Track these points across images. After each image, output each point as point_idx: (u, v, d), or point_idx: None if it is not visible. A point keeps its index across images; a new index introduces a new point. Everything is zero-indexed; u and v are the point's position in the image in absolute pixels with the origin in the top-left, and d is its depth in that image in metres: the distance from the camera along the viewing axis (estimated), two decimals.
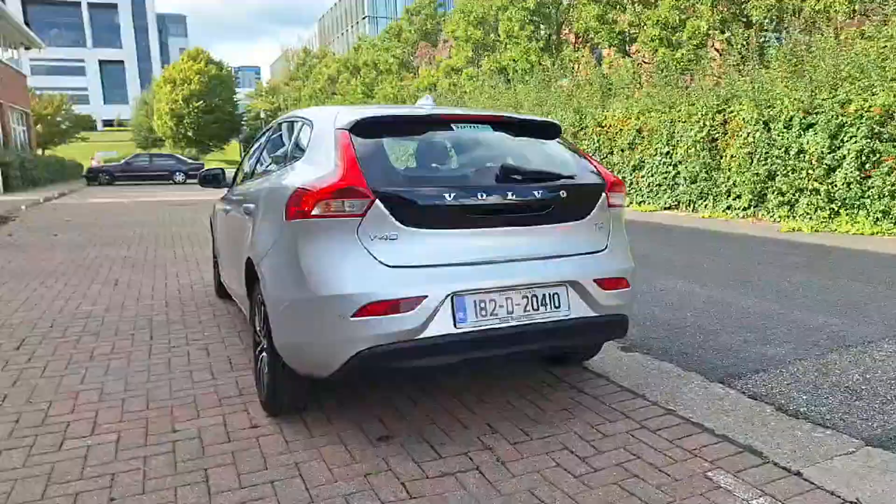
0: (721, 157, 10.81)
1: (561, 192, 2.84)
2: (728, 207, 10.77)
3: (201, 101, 53.03)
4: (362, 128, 2.81)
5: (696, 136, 11.11)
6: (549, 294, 2.77)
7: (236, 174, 4.94)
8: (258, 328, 3.17)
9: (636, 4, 16.10)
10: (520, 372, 3.62)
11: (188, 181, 29.81)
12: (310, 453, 2.69)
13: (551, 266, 2.80)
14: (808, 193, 9.34)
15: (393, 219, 2.57)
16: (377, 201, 2.55)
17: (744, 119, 10.23)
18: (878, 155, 8.37)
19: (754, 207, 10.35)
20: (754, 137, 10.04)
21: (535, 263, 2.77)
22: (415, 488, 2.41)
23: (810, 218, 9.30)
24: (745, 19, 13.17)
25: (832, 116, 8.83)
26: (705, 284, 5.77)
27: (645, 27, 15.38)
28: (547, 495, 2.36)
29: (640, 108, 12.57)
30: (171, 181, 30.39)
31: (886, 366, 3.57)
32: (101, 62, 78.99)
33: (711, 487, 2.39)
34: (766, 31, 11.41)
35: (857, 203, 8.74)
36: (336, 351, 2.54)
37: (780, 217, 9.83)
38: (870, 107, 8.42)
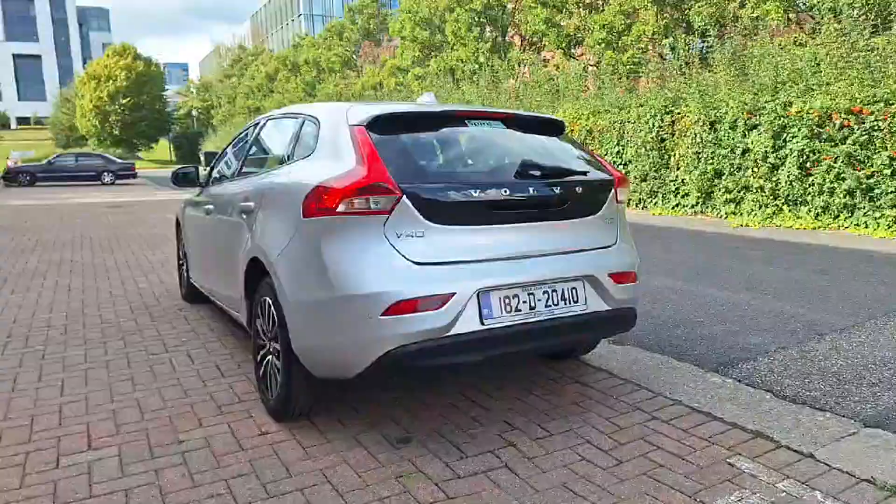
0: (670, 157, 11.20)
1: (577, 188, 2.87)
2: (677, 205, 11.17)
3: (128, 99, 50.86)
4: (379, 124, 2.75)
5: (645, 136, 11.47)
6: (568, 289, 2.79)
7: (210, 173, 4.76)
8: (263, 331, 3.05)
9: (581, 8, 16.50)
10: (521, 369, 3.63)
11: (117, 182, 28.39)
12: (332, 458, 2.61)
13: (569, 261, 2.82)
14: (754, 191, 9.80)
15: (419, 215, 2.53)
16: (404, 198, 2.50)
17: (691, 120, 10.63)
18: (817, 154, 8.87)
19: (702, 205, 10.78)
20: (701, 138, 10.45)
21: (554, 258, 2.78)
22: (450, 489, 2.37)
23: (755, 214, 9.77)
24: (685, 24, 13.72)
25: (774, 118, 9.30)
26: (677, 278, 5.96)
27: (592, 31, 15.78)
28: (582, 489, 2.37)
29: (591, 109, 12.88)
30: (98, 182, 28.87)
31: (862, 351, 3.78)
32: (15, 56, 74.55)
33: (736, 473, 2.46)
34: (710, 36, 11.88)
35: (799, 200, 9.24)
36: (364, 351, 2.47)
37: (726, 214, 10.28)
38: (809, 109, 8.91)
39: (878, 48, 9.01)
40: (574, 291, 2.81)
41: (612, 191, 3.05)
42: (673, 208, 11.29)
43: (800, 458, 2.56)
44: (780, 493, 2.31)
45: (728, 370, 3.56)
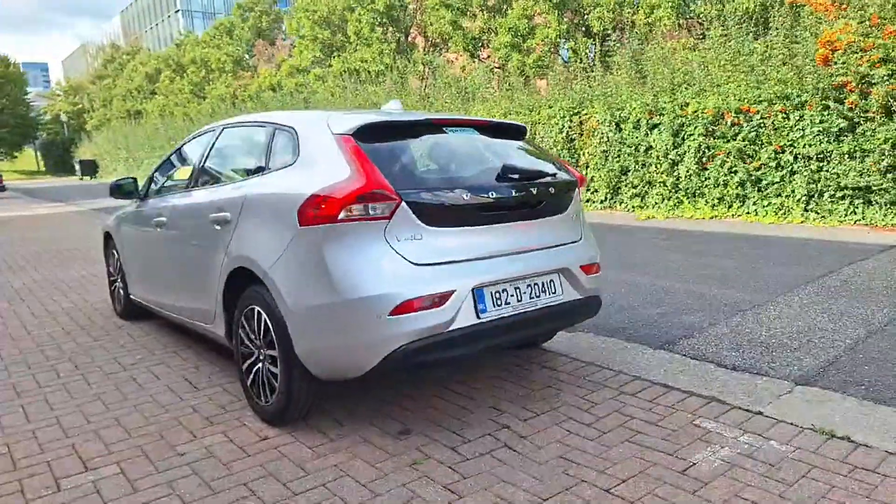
0: (580, 156, 11.86)
1: (550, 189, 3.14)
2: (587, 200, 11.85)
3: None
4: (365, 133, 2.88)
5: (555, 136, 12.08)
6: (547, 281, 3.05)
7: (149, 185, 4.64)
8: (251, 340, 3.09)
9: (484, 11, 17.01)
10: (490, 359, 3.86)
11: None
12: (343, 455, 2.72)
13: (547, 256, 3.08)
14: (657, 185, 10.60)
15: (417, 219, 2.69)
16: (403, 203, 2.66)
17: (598, 121, 11.33)
18: (712, 150, 9.75)
19: (611, 199, 11.51)
20: (608, 137, 11.16)
21: (534, 254, 3.03)
22: (462, 469, 2.56)
23: (659, 207, 10.58)
24: (584, 28, 14.55)
25: (673, 117, 10.12)
26: (605, 268, 6.40)
27: (497, 34, 16.32)
28: (578, 458, 2.63)
29: (503, 110, 13.35)
30: None
31: (780, 323, 4.31)
32: None
33: (704, 432, 2.81)
34: (610, 40, 12.67)
35: (697, 192, 10.11)
36: (373, 350, 2.61)
37: (633, 207, 11.05)
38: (704, 109, 9.78)
39: (757, 52, 10.03)
40: (552, 283, 3.07)
41: (577, 190, 3.35)
42: (584, 203, 11.97)
43: (751, 415, 2.96)
44: (743, 445, 2.68)
45: (673, 347, 3.96)
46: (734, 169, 9.51)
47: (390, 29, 23.08)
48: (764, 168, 9.23)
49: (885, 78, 7.78)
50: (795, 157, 8.87)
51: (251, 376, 3.14)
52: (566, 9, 14.78)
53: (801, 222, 8.75)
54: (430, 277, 2.66)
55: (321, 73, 24.72)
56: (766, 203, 9.29)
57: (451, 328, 2.68)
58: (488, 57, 18.24)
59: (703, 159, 9.89)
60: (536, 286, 3.00)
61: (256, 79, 31.25)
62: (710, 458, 2.57)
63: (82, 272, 7.60)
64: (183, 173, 4.21)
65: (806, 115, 8.65)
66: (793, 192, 8.95)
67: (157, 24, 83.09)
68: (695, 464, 2.54)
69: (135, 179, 4.65)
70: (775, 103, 9.00)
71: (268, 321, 2.90)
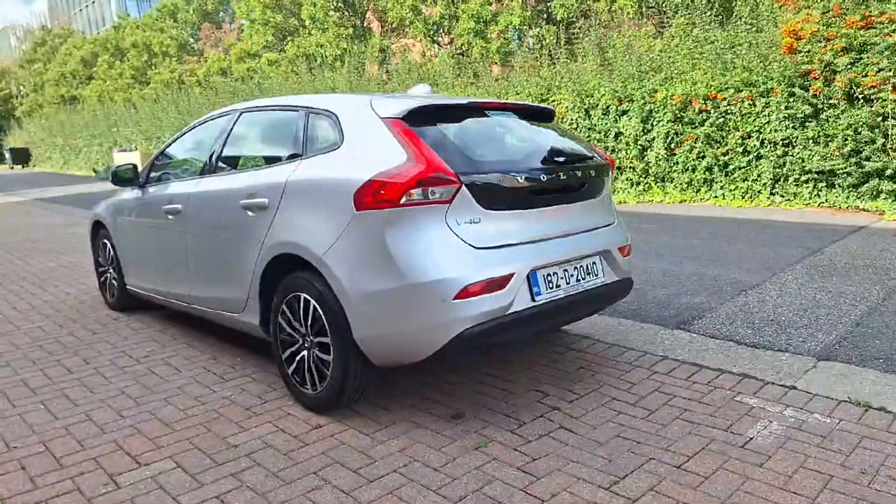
0: None
1: (591, 172, 3.17)
2: None
3: None
4: (415, 116, 2.84)
5: None
6: (590, 264, 3.10)
7: (149, 172, 4.45)
8: (294, 328, 3.02)
9: None
10: (516, 344, 3.89)
11: None
12: (403, 440, 2.71)
13: (589, 239, 3.12)
14: (626, 170, 10.84)
15: (476, 203, 2.68)
16: (463, 187, 2.64)
17: (566, 107, 11.47)
18: (680, 136, 10.02)
19: None
20: (578, 123, 11.32)
21: (579, 237, 3.07)
22: (529, 451, 2.59)
23: (629, 192, 10.83)
24: (547, 15, 14.68)
25: (643, 104, 10.34)
26: None
27: (460, 20, 16.27)
28: (636, 436, 2.69)
29: (469, 95, 13.35)
30: None
31: (783, 301, 4.50)
32: None
33: (749, 408, 2.92)
34: (575, 28, 12.82)
35: (666, 176, 10.39)
36: (437, 334, 2.59)
37: None
38: (672, 95, 10.03)
39: (718, 41, 10.34)
40: (595, 266, 3.12)
41: (609, 173, 3.40)
42: None
43: (786, 390, 3.09)
44: (789, 419, 2.79)
45: (689, 326, 4.08)
46: (702, 154, 9.80)
47: (346, 13, 22.67)
48: (731, 153, 9.56)
49: (849, 66, 8.15)
50: (762, 143, 9.21)
51: (293, 364, 3.07)
52: None
53: (768, 205, 9.11)
54: (491, 261, 2.66)
55: (274, 57, 24.08)
56: (733, 187, 9.63)
57: (509, 311, 2.69)
58: (450, 43, 18.16)
59: (672, 145, 10.16)
60: (582, 268, 3.04)
61: (204, 63, 30.17)
62: (763, 433, 2.67)
63: (50, 263, 7.24)
64: (195, 159, 4.05)
65: (772, 101, 8.98)
66: (759, 176, 9.30)
67: (86, 6, 79.12)
68: (751, 438, 2.63)
69: (134, 166, 4.44)
70: (742, 90, 9.31)
71: (317, 308, 2.85)
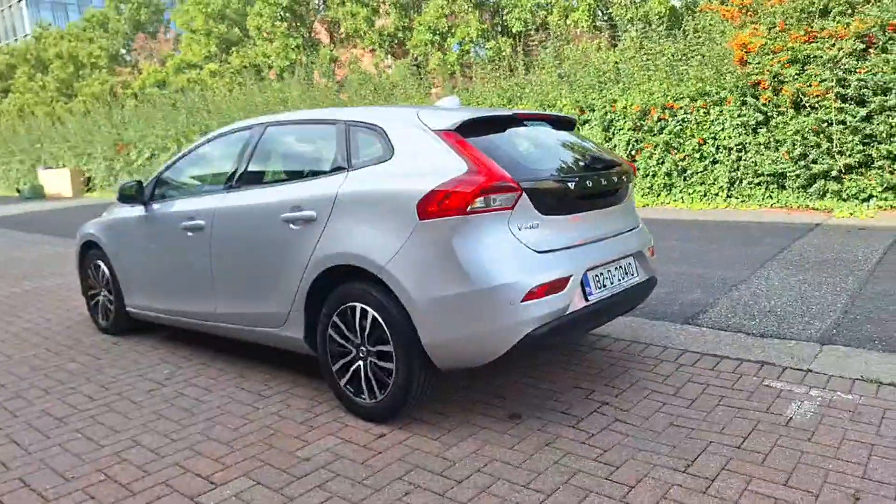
0: None
1: (623, 177, 3.35)
2: None
3: None
4: (465, 128, 2.94)
5: None
6: (627, 264, 3.27)
7: (156, 186, 4.35)
8: (347, 338, 3.05)
9: (396, 9, 17.01)
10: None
11: None
12: (473, 442, 2.78)
13: (625, 240, 3.30)
14: None
15: (534, 208, 2.80)
16: (523, 194, 2.76)
17: None
18: (640, 143, 10.48)
19: None
20: None
21: (617, 239, 3.24)
22: (596, 444, 2.71)
23: None
24: (502, 28, 15.04)
25: (603, 113, 10.76)
26: None
27: (416, 31, 16.41)
28: (688, 424, 2.86)
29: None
30: None
31: (773, 294, 4.81)
32: None
33: (778, 391, 3.14)
34: (532, 40, 13.20)
35: None
36: (506, 337, 2.69)
37: None
38: (631, 105, 10.48)
39: (668, 53, 10.89)
40: (630, 265, 3.30)
41: (632, 178, 3.59)
42: None
43: (804, 373, 3.34)
44: (817, 398, 3.03)
45: (696, 321, 4.32)
46: (662, 160, 10.28)
47: (294, 24, 22.43)
48: (688, 159, 10.06)
49: (795, 76, 8.76)
50: (717, 149, 9.75)
51: (347, 375, 3.09)
52: (484, 9, 15.21)
53: (725, 207, 9.63)
54: (550, 264, 2.79)
55: (216, 68, 23.54)
56: (691, 191, 10.13)
57: (567, 312, 2.82)
58: (405, 54, 18.29)
59: (633, 152, 10.60)
60: (622, 269, 3.21)
61: (139, 75, 29.13)
62: (800, 412, 2.89)
63: (13, 289, 6.86)
64: (213, 175, 4.00)
65: (725, 110, 9.53)
66: (715, 180, 9.83)
67: None
68: (791, 417, 2.85)
69: (139, 182, 4.33)
70: (696, 99, 9.84)
71: (377, 317, 2.89)
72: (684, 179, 10.17)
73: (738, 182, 9.63)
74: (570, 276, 2.82)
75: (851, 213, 8.17)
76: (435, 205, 2.72)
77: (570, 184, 2.96)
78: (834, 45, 8.45)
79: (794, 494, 2.24)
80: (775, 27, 9.14)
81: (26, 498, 2.51)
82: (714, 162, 9.81)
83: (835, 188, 8.69)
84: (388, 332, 2.86)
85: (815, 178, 8.84)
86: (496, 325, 2.68)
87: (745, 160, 9.45)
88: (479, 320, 2.69)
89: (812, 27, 8.76)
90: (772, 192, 9.33)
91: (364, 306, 2.95)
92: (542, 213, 2.84)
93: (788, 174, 9.03)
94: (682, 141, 10.05)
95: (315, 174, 3.34)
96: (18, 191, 24.15)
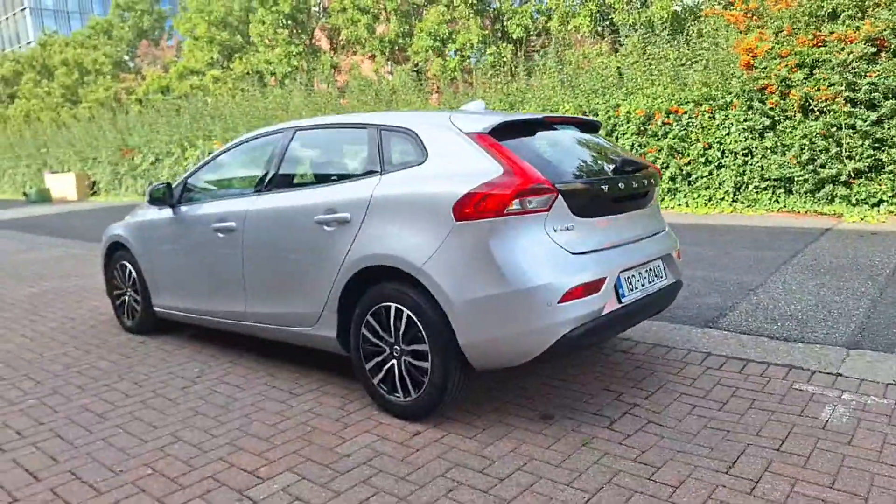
0: None
1: (652, 180, 3.40)
2: None
3: None
4: (499, 131, 2.99)
5: None
6: (656, 266, 3.32)
7: (185, 189, 4.40)
8: (381, 337, 3.09)
9: (397, 16, 17.07)
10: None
11: None
12: (510, 441, 2.83)
13: (654, 243, 3.35)
14: None
15: (569, 210, 2.85)
16: (559, 196, 2.80)
17: None
18: (644, 147, 10.55)
19: None
20: None
21: (647, 241, 3.30)
22: (635, 444, 2.75)
23: None
24: (502, 33, 15.12)
25: (608, 118, 10.83)
26: None
27: (417, 38, 16.48)
28: (722, 425, 2.90)
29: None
30: None
31: (791, 298, 4.86)
32: None
33: (810, 394, 3.19)
34: (534, 46, 13.29)
35: None
36: (543, 337, 2.73)
37: None
38: (635, 109, 10.56)
39: (672, 58, 10.97)
40: (659, 268, 3.34)
41: (659, 181, 3.64)
42: None
43: (834, 377, 3.38)
44: (851, 402, 3.07)
45: (717, 324, 4.37)
46: (666, 164, 10.34)
47: (296, 31, 22.51)
48: (693, 163, 10.13)
49: (803, 81, 8.83)
50: (723, 153, 9.82)
51: (380, 374, 3.13)
52: (485, 15, 15.32)
53: (731, 212, 9.69)
54: (586, 265, 2.83)
55: (219, 75, 23.61)
56: (696, 195, 10.19)
57: (602, 313, 2.87)
58: (406, 60, 18.36)
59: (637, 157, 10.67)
60: (651, 271, 3.25)
61: (143, 81, 29.20)
62: (835, 415, 2.93)
63: (31, 289, 6.91)
64: (243, 178, 4.05)
65: (731, 114, 9.61)
66: (721, 184, 9.90)
67: (0, 23, 75.38)
68: (827, 420, 2.89)
69: (167, 185, 4.37)
70: (702, 104, 9.91)
71: (412, 316, 2.93)
72: (689, 184, 10.24)
73: (744, 186, 9.69)
74: (606, 277, 2.87)
75: (862, 218, 8.24)
76: (472, 207, 2.77)
77: (603, 186, 3.01)
78: (843, 48, 8.52)
79: (843, 497, 2.28)
80: (782, 31, 9.21)
81: (79, 490, 2.56)
82: (719, 166, 9.88)
83: (843, 193, 8.75)
84: (423, 332, 2.91)
85: (824, 183, 8.91)
86: (534, 325, 2.73)
87: (751, 164, 9.52)
88: (517, 321, 2.73)
89: (820, 31, 8.83)
90: (778, 196, 9.39)
91: (399, 306, 2.99)
92: (577, 215, 2.89)
93: (796, 179, 9.10)
94: (686, 145, 10.12)
95: (347, 177, 3.40)
96: (25, 194, 24.23)
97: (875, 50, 8.36)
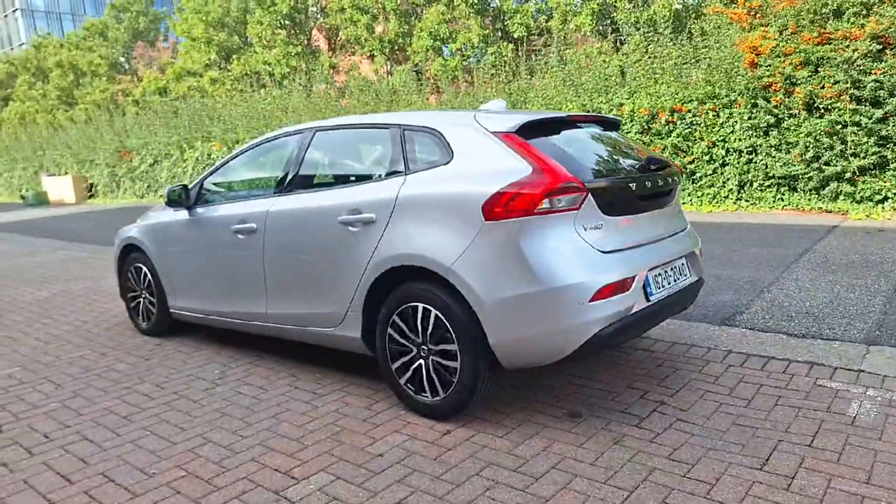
0: None
1: (675, 178, 3.41)
2: None
3: None
4: (526, 130, 3.00)
5: None
6: (680, 265, 3.33)
7: (201, 190, 4.39)
8: (407, 337, 3.10)
9: (397, 16, 17.07)
10: None
11: None
12: (541, 440, 2.83)
13: (677, 241, 3.37)
14: None
15: (598, 209, 2.86)
16: (589, 195, 2.81)
17: None
18: (648, 146, 10.57)
19: None
20: None
21: (671, 239, 3.31)
22: (666, 442, 2.76)
23: None
24: (502, 32, 15.14)
25: None
26: None
27: (418, 37, 16.48)
28: (753, 423, 2.91)
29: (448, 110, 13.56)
30: None
31: (806, 296, 4.87)
32: None
33: (835, 391, 3.20)
34: (535, 46, 13.32)
35: None
36: (574, 336, 2.74)
37: None
38: (639, 108, 10.58)
39: (673, 56, 11.00)
40: (683, 266, 3.36)
41: (680, 179, 3.65)
42: None
43: (856, 374, 3.40)
44: (876, 398, 3.09)
45: (734, 322, 4.38)
46: None
47: (294, 31, 22.47)
48: (697, 162, 10.16)
49: (807, 78, 8.87)
50: (727, 151, 9.85)
51: (407, 374, 3.14)
52: (486, 14, 15.35)
53: (735, 210, 9.72)
54: (616, 264, 2.84)
55: (217, 75, 23.54)
56: (700, 193, 10.22)
57: (632, 311, 2.87)
58: (406, 60, 18.35)
59: None
60: (676, 269, 3.27)
61: (139, 83, 29.10)
62: (863, 411, 2.95)
63: (40, 293, 6.89)
64: (262, 179, 4.04)
65: (735, 112, 9.63)
66: (725, 182, 9.93)
67: None
68: (855, 416, 2.91)
69: (184, 187, 4.37)
70: (706, 102, 9.94)
71: (440, 316, 2.94)
72: (693, 182, 10.26)
73: (748, 184, 9.72)
74: (635, 276, 2.88)
75: (868, 215, 8.27)
76: (501, 206, 2.77)
77: (631, 184, 3.02)
78: (848, 46, 8.55)
79: (880, 493, 2.29)
80: (787, 29, 9.24)
81: (114, 492, 2.56)
82: (723, 164, 9.90)
83: (848, 190, 8.78)
84: (452, 332, 2.91)
85: (828, 180, 8.93)
86: (565, 324, 2.73)
87: (755, 163, 9.54)
88: (548, 320, 2.74)
89: (825, 28, 8.86)
90: (783, 194, 9.42)
91: (426, 306, 3.00)
92: (605, 213, 2.90)
93: (800, 176, 9.13)
94: (690, 144, 10.14)
95: (371, 178, 3.40)
96: (23, 197, 24.12)
97: (880, 47, 8.39)
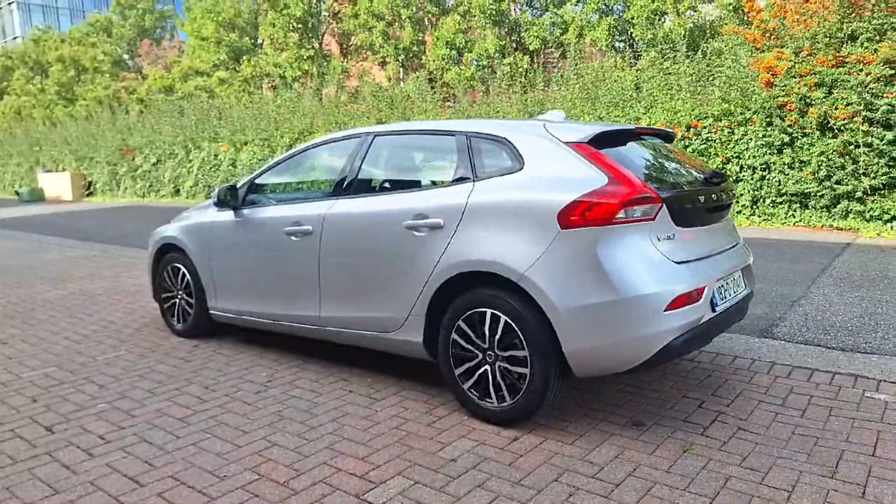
0: None
1: (732, 191, 3.48)
2: None
3: None
4: (598, 141, 3.06)
5: None
6: (739, 276, 3.39)
7: (249, 191, 4.41)
8: (474, 343, 3.13)
9: (412, 24, 17.20)
10: None
11: None
12: (611, 448, 2.87)
13: (737, 253, 3.45)
14: None
15: (671, 220, 2.91)
16: (663, 205, 2.87)
17: None
18: None
19: None
20: None
21: (731, 251, 3.39)
22: (733, 450, 2.82)
23: None
24: (516, 44, 15.29)
25: None
26: None
27: (434, 46, 16.59)
28: (809, 432, 2.98)
29: (466, 118, 13.65)
30: None
31: (839, 310, 4.96)
32: None
33: (884, 403, 3.27)
34: (552, 58, 13.45)
35: None
36: (648, 345, 2.79)
37: None
38: (655, 123, 10.70)
39: (687, 73, 11.15)
40: (740, 278, 3.42)
41: (735, 194, 3.72)
42: None
43: None
44: None
45: (772, 334, 4.45)
46: None
47: (306, 35, 22.52)
48: None
49: (821, 99, 9.03)
50: (741, 168, 9.98)
51: (471, 379, 3.17)
52: (502, 25, 15.50)
53: (748, 225, 9.84)
54: (688, 274, 2.90)
55: (226, 76, 23.52)
56: None
57: (701, 321, 2.93)
58: (421, 67, 18.44)
59: None
60: (734, 281, 3.33)
61: (144, 81, 28.99)
62: None
63: (59, 291, 6.84)
64: (316, 182, 4.07)
65: (749, 130, 9.78)
66: (738, 198, 10.05)
67: None
68: None
69: (233, 186, 4.38)
70: (721, 119, 10.08)
71: (510, 322, 2.97)
72: None
73: (761, 200, 9.85)
74: (706, 286, 2.94)
75: (879, 234, 8.41)
76: (578, 215, 2.82)
77: (700, 196, 3.09)
78: (862, 70, 8.72)
79: None
80: (802, 51, 9.41)
81: (188, 495, 2.56)
82: (737, 180, 10.03)
83: (858, 209, 8.93)
84: (522, 338, 2.95)
85: (840, 199, 9.08)
86: (640, 333, 2.78)
87: (768, 179, 9.68)
88: (624, 328, 2.79)
89: (840, 52, 9.03)
90: (794, 211, 9.56)
91: (495, 311, 3.03)
92: (677, 224, 2.96)
93: (812, 194, 9.27)
94: (706, 159, 10.27)
95: (437, 184, 3.44)
96: (17, 193, 23.87)
97: (893, 72, 8.57)
